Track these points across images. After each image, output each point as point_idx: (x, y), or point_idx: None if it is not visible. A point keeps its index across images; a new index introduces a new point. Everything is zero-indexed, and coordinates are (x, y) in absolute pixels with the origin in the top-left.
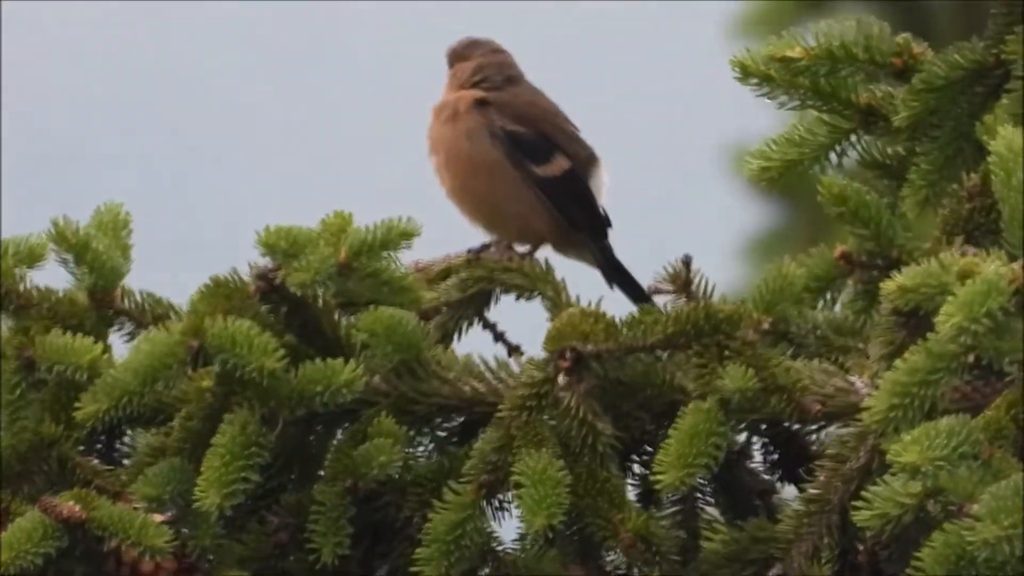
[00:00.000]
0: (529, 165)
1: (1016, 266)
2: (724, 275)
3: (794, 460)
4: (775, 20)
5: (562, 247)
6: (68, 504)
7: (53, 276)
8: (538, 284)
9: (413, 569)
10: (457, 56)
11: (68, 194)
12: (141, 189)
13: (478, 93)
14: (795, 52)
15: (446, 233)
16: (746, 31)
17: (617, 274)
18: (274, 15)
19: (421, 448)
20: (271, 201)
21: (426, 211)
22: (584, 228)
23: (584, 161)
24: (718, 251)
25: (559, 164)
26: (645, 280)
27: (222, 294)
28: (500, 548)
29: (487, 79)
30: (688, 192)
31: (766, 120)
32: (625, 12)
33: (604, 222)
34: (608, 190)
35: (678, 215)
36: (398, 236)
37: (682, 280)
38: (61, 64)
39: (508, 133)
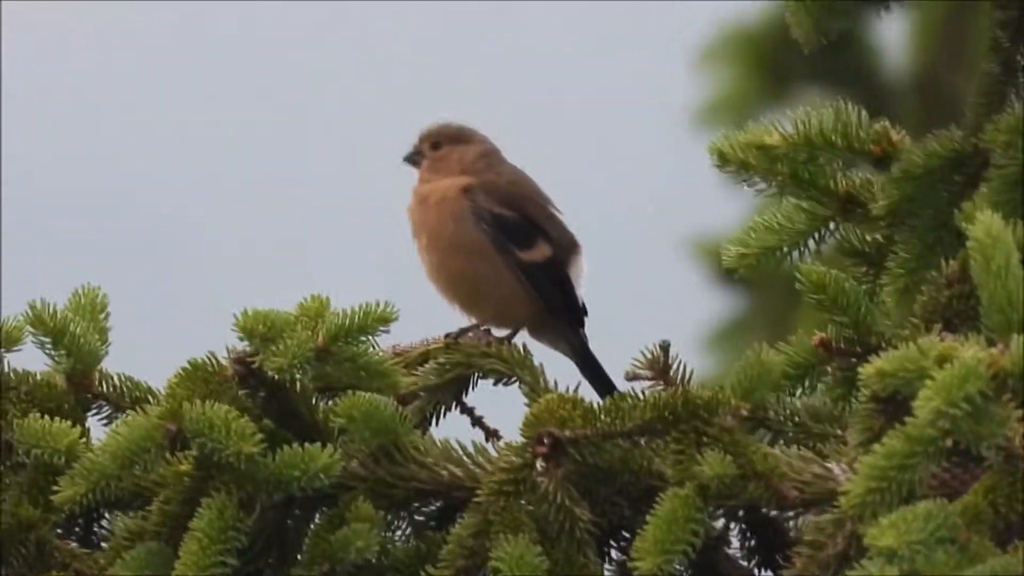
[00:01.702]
0: (513, 249)
1: (994, 351)
2: (692, 364)
3: (772, 546)
4: (738, 107)
5: (538, 333)
6: None
7: (30, 358)
8: (516, 369)
9: None
10: (450, 139)
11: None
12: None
13: (466, 179)
14: (773, 139)
15: (424, 315)
16: (709, 118)
17: (589, 366)
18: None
19: (399, 532)
20: (248, 281)
21: (404, 294)
22: (562, 315)
23: (566, 247)
24: (685, 339)
25: (542, 250)
26: (620, 365)
27: (200, 377)
28: None
29: (489, 165)
30: (654, 280)
31: (733, 209)
32: (591, 99)
33: (582, 310)
34: (586, 278)
35: (645, 303)
36: (376, 321)
37: (660, 365)
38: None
39: (494, 216)
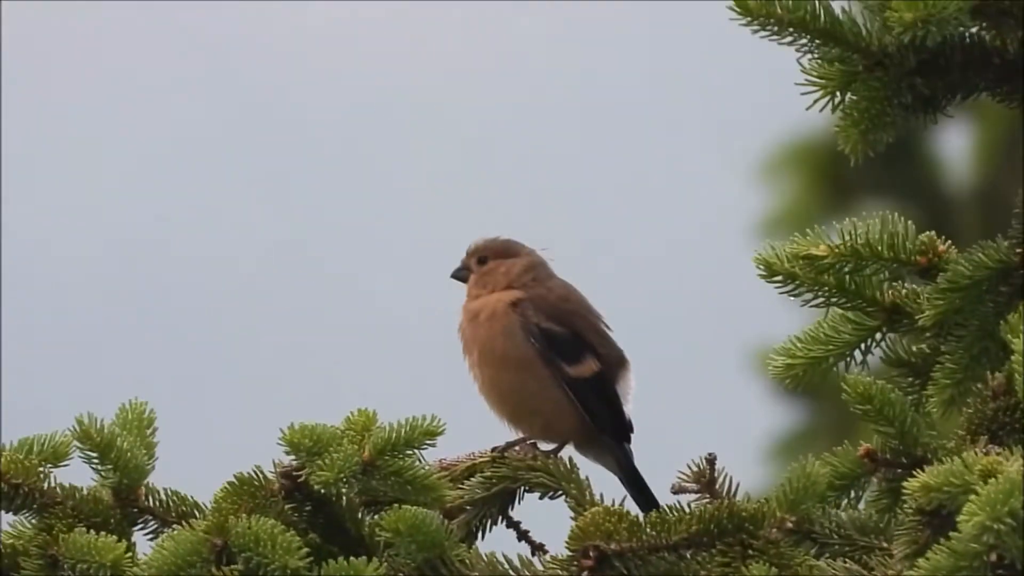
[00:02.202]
0: (561, 364)
1: None
2: (749, 476)
3: None
4: (800, 220)
5: (584, 448)
6: None
7: (77, 473)
8: (562, 483)
9: None
10: (496, 253)
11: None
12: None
13: (516, 293)
14: (820, 250)
15: (471, 430)
16: (770, 231)
17: (634, 482)
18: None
19: None
20: (295, 396)
21: (450, 407)
22: (608, 431)
23: (614, 363)
24: (742, 451)
25: (590, 366)
26: (669, 478)
27: (246, 492)
28: None
29: (536, 278)
30: (712, 392)
31: (789, 320)
32: (643, 211)
33: (628, 427)
34: (634, 395)
35: (703, 415)
36: (422, 434)
37: (706, 479)
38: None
39: (543, 331)
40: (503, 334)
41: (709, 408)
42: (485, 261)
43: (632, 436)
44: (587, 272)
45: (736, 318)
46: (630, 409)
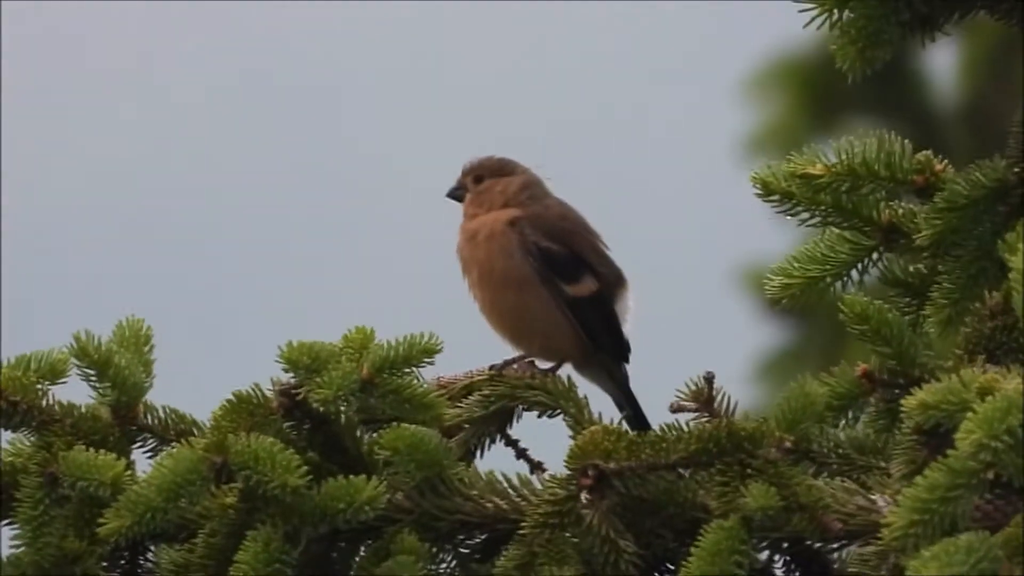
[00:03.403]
0: (559, 283)
1: None
2: (740, 395)
3: None
4: (787, 137)
5: (582, 367)
6: None
7: (75, 390)
8: (560, 401)
9: None
10: (492, 171)
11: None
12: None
13: (514, 211)
14: (816, 169)
15: (468, 347)
16: (757, 148)
17: (629, 403)
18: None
19: (443, 565)
20: (292, 313)
21: (448, 325)
22: (606, 350)
23: (612, 282)
24: (733, 370)
25: (588, 285)
26: (661, 397)
27: (245, 410)
28: None
29: (532, 196)
30: (702, 312)
31: (778, 239)
32: (638, 130)
33: (626, 347)
34: (633, 313)
35: (692, 334)
36: (420, 352)
37: (704, 397)
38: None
39: (541, 250)
40: (501, 253)
41: (700, 327)
42: (481, 180)
43: (629, 356)
44: (576, 192)
45: (724, 236)
46: (628, 329)
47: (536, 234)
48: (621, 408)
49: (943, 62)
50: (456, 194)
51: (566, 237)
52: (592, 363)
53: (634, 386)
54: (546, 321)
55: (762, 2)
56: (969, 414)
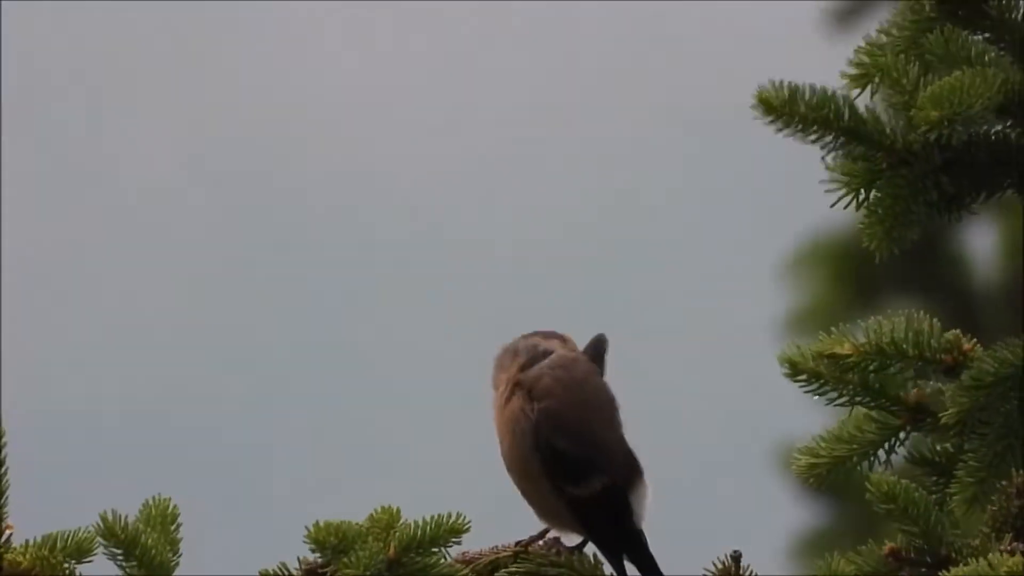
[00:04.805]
0: (563, 484)
1: None
2: (774, 574)
3: None
4: (824, 317)
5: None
6: None
7: (101, 570)
8: None
9: None
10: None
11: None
12: (184, 475)
13: (526, 384)
14: (844, 348)
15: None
16: (795, 328)
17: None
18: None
19: None
20: (316, 493)
21: (474, 494)
22: (607, 547)
23: (625, 475)
24: (767, 550)
25: (593, 486)
26: None
27: None
28: None
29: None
30: (738, 491)
31: (814, 419)
32: (662, 308)
33: (635, 540)
34: (649, 506)
35: (728, 514)
36: (447, 532)
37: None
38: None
39: (554, 451)
40: (514, 439)
41: (734, 506)
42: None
43: (645, 547)
44: (611, 364)
45: (762, 416)
46: (642, 520)
47: (549, 428)
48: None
49: (982, 242)
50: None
51: (583, 433)
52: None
53: (668, 563)
54: (548, 510)
55: (797, 185)
56: None
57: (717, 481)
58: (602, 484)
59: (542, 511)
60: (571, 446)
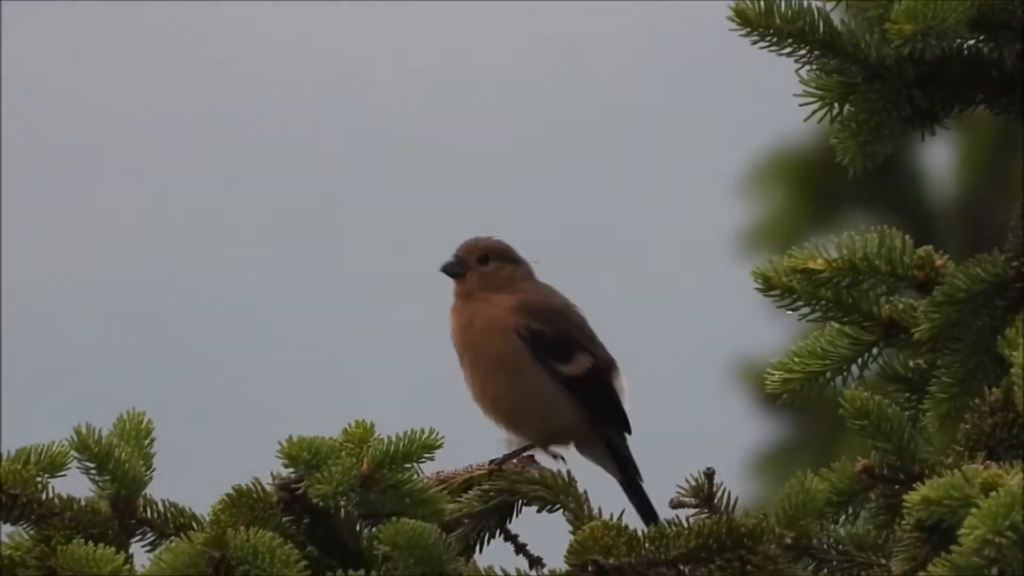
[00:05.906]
0: (553, 363)
1: None
2: (736, 490)
3: None
4: (784, 231)
5: (584, 447)
6: None
7: (75, 484)
8: (560, 496)
9: None
10: (498, 254)
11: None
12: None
13: (515, 298)
14: (817, 264)
15: (468, 439)
16: (754, 242)
17: (634, 486)
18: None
19: None
20: (291, 406)
21: (447, 417)
22: (610, 423)
23: (607, 362)
24: (731, 466)
25: (582, 363)
26: (667, 494)
27: (244, 504)
28: None
29: (534, 287)
30: (701, 406)
31: (780, 335)
32: (632, 225)
33: (627, 420)
34: (629, 394)
35: (691, 430)
36: (420, 448)
37: (705, 493)
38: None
39: (532, 332)
40: (494, 338)
41: (694, 421)
42: (487, 261)
43: (631, 429)
44: (569, 279)
45: (719, 330)
46: (628, 406)
47: (527, 317)
48: (627, 492)
49: (940, 158)
50: (454, 270)
51: (556, 319)
52: (595, 441)
53: None
54: (543, 402)
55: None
56: (973, 510)
57: (675, 397)
58: (590, 362)
59: (532, 405)
60: (548, 327)
